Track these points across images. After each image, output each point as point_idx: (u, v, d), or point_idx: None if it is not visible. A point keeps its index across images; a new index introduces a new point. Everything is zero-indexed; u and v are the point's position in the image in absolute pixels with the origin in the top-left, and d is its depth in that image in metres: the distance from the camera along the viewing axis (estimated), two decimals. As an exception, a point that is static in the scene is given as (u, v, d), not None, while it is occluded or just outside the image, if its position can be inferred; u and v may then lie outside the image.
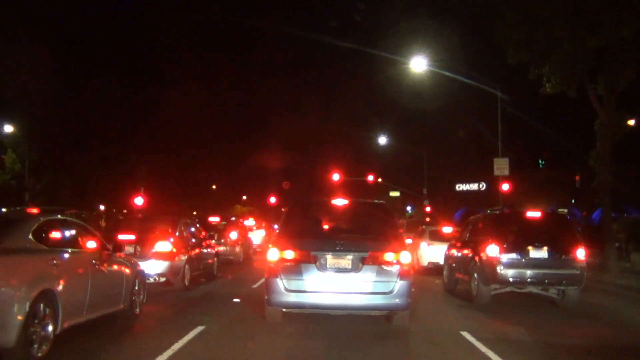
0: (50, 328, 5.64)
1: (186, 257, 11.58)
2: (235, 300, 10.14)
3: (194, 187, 54.20)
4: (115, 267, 7.61)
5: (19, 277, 5.33)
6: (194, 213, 45.57)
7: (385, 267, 7.31)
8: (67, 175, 38.77)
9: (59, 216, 6.82)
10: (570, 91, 17.45)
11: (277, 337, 7.23)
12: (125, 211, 41.80)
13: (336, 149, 60.34)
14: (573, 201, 39.56)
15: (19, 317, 5.11)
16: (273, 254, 7.45)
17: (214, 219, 20.79)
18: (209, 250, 13.75)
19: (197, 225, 14.28)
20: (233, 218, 23.80)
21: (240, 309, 9.46)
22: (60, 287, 5.82)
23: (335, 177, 41.77)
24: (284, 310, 7.73)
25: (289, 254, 7.40)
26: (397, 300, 7.30)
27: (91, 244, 7.09)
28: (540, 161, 49.57)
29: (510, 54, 17.18)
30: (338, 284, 7.30)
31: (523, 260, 9.98)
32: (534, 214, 10.69)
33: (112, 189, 41.62)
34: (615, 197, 18.42)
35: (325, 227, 8.16)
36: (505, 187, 23.27)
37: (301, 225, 8.04)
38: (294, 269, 7.34)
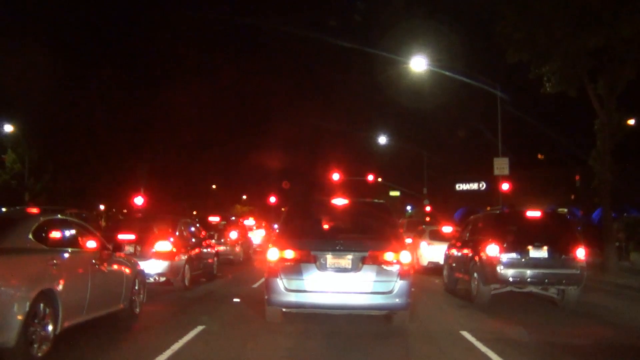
0: (50, 328, 5.64)
1: (186, 256, 11.58)
2: (235, 300, 10.14)
3: (194, 187, 54.28)
4: (115, 266, 7.61)
5: (19, 277, 5.32)
6: (194, 213, 45.58)
7: (385, 267, 7.31)
8: (67, 175, 38.79)
9: (59, 216, 6.82)
10: (570, 91, 17.46)
11: (277, 336, 7.22)
12: (125, 211, 41.82)
13: (336, 148, 60.40)
14: (572, 197, 39.51)
15: (19, 317, 5.10)
16: (273, 254, 7.45)
17: (214, 219, 20.76)
18: (209, 250, 13.74)
19: (197, 225, 14.27)
20: (233, 218, 23.77)
21: (240, 309, 9.45)
22: (60, 287, 5.82)
23: (335, 177, 41.81)
24: (284, 310, 7.73)
25: (289, 254, 7.40)
26: (397, 299, 7.30)
27: (91, 244, 7.08)
28: (539, 157, 49.73)
29: (510, 54, 17.20)
30: (338, 284, 7.29)
31: (523, 259, 9.98)
32: (533, 213, 10.69)
33: (112, 189, 41.67)
34: (615, 197, 18.42)
35: (325, 226, 8.15)
36: (505, 186, 23.28)
37: (301, 225, 8.04)
38: (294, 268, 7.34)
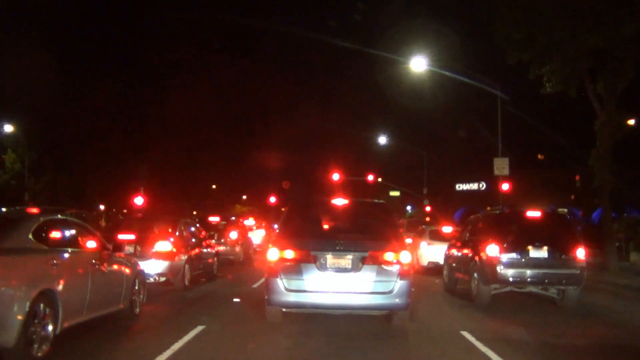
0: (50, 328, 5.64)
1: (186, 256, 11.58)
2: (235, 300, 10.14)
3: (194, 187, 54.28)
4: (115, 267, 7.61)
5: (19, 277, 5.33)
6: (194, 213, 45.57)
7: (385, 267, 7.31)
8: (67, 175, 38.82)
9: (59, 216, 6.81)
10: (570, 91, 17.46)
11: (277, 336, 7.22)
12: (125, 211, 41.81)
13: (336, 149, 60.41)
14: (572, 197, 39.52)
15: (19, 317, 5.11)
16: (273, 254, 7.45)
17: (214, 219, 20.75)
18: (209, 250, 13.75)
19: (197, 225, 14.27)
20: (233, 218, 23.76)
21: (240, 309, 9.46)
22: (60, 287, 5.83)
23: (335, 177, 41.78)
24: (284, 310, 7.73)
25: (289, 254, 7.40)
26: (397, 299, 7.30)
27: (91, 244, 7.09)
28: (539, 157, 49.81)
29: (510, 54, 17.20)
30: (338, 284, 7.29)
31: (523, 260, 9.98)
32: (534, 213, 10.68)
33: (112, 189, 41.68)
34: (615, 197, 18.42)
35: (325, 226, 8.14)
36: (505, 187, 23.27)
37: (301, 225, 8.03)
38: (294, 268, 7.34)
